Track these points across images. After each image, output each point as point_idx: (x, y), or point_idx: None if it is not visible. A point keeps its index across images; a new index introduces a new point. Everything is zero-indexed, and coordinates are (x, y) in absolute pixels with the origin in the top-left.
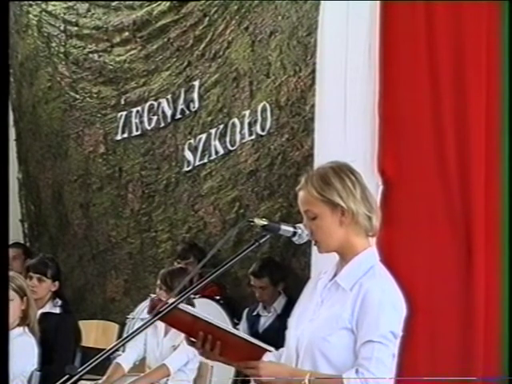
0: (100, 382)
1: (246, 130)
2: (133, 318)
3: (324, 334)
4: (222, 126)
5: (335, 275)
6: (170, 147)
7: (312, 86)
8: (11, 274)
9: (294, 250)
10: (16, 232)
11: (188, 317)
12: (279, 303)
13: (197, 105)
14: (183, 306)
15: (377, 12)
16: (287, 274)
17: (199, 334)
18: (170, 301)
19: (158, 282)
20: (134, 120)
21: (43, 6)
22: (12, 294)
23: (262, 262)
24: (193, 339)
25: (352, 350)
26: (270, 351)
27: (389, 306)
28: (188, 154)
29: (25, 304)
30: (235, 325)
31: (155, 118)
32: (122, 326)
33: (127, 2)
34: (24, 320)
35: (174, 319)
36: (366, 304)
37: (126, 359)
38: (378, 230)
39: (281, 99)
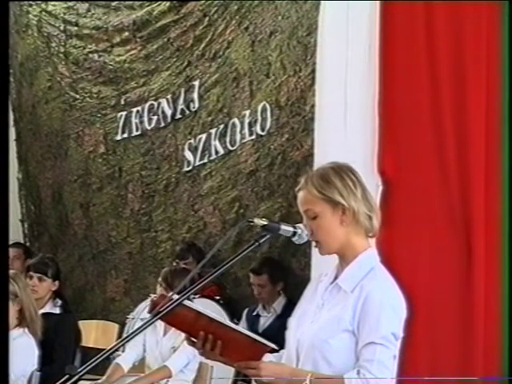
0: (100, 381)
1: (246, 130)
2: (133, 318)
3: (325, 337)
4: (222, 126)
5: (336, 277)
6: (169, 147)
7: (312, 86)
8: None
9: (294, 251)
10: (16, 232)
11: (190, 314)
12: (279, 303)
13: (197, 105)
14: (186, 302)
15: (377, 12)
16: (287, 273)
17: (200, 333)
18: (171, 300)
19: (160, 279)
20: (134, 120)
21: (43, 5)
22: None
23: (262, 259)
24: (193, 339)
25: (353, 351)
26: (273, 348)
27: (390, 308)
28: (188, 154)
29: (18, 305)
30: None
31: (155, 118)
32: (122, 326)
33: (127, 2)
34: (23, 321)
35: (176, 318)
36: (368, 306)
37: (125, 359)
38: (378, 231)
39: (281, 99)
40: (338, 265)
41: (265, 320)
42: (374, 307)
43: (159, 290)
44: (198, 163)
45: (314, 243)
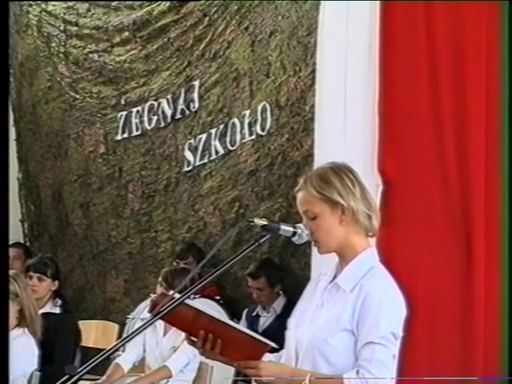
0: (99, 381)
1: (246, 130)
2: (133, 318)
3: (325, 336)
4: (222, 126)
5: (335, 277)
6: (170, 147)
7: (312, 86)
8: None
9: (293, 251)
10: (16, 232)
11: (190, 313)
12: (279, 303)
13: (197, 105)
14: (186, 301)
15: (377, 12)
16: (285, 274)
17: (200, 332)
18: (171, 300)
19: (160, 279)
20: (134, 120)
21: (43, 5)
22: None
23: (259, 262)
24: (193, 338)
25: (352, 351)
26: (273, 348)
27: (389, 307)
28: (188, 154)
29: (18, 305)
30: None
31: (155, 117)
32: (122, 326)
33: (127, 2)
34: (23, 321)
35: (176, 317)
36: (367, 305)
37: (125, 360)
38: (378, 231)
39: (281, 99)
40: (337, 264)
41: (264, 320)
42: (373, 307)
43: (159, 290)
44: (198, 163)
45: (313, 242)
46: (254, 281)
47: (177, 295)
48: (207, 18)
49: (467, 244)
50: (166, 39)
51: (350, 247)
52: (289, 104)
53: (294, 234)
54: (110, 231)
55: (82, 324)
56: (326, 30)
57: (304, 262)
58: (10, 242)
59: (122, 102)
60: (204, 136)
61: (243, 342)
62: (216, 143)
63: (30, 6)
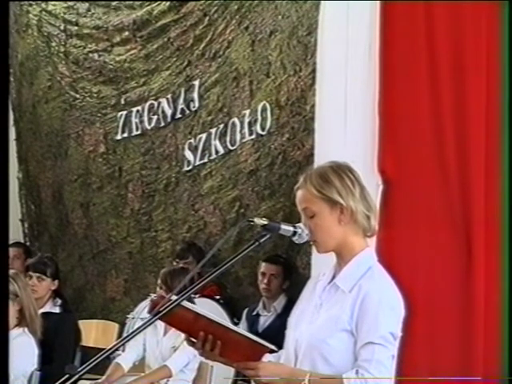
0: (99, 381)
1: (246, 130)
2: (133, 318)
3: (324, 337)
4: (222, 126)
5: (334, 277)
6: (170, 147)
7: (312, 86)
8: None
9: (298, 249)
10: (16, 231)
11: (189, 315)
12: (279, 302)
13: (197, 104)
14: (185, 303)
15: (377, 12)
16: (293, 272)
17: (199, 333)
18: (170, 300)
19: (159, 281)
20: (134, 119)
21: (43, 5)
22: None
23: (276, 254)
24: (193, 339)
25: (351, 351)
26: (272, 350)
27: (388, 307)
28: (188, 154)
29: (18, 305)
30: (235, 324)
31: (155, 117)
32: (122, 325)
33: (127, 2)
34: (23, 321)
35: (175, 318)
36: (366, 305)
37: (125, 359)
38: (376, 231)
39: (281, 99)
40: (335, 264)
41: (265, 319)
42: (372, 307)
43: (159, 292)
44: (198, 163)
45: (311, 241)
46: (271, 266)
47: (175, 297)
48: (207, 18)
49: (467, 244)
50: (166, 39)
51: (348, 247)
52: (289, 104)
53: (295, 233)
54: (110, 231)
55: (82, 324)
56: (326, 30)
57: (305, 260)
58: (10, 242)
59: (122, 101)
60: (204, 135)
61: (242, 343)
62: (216, 143)
63: (30, 5)
